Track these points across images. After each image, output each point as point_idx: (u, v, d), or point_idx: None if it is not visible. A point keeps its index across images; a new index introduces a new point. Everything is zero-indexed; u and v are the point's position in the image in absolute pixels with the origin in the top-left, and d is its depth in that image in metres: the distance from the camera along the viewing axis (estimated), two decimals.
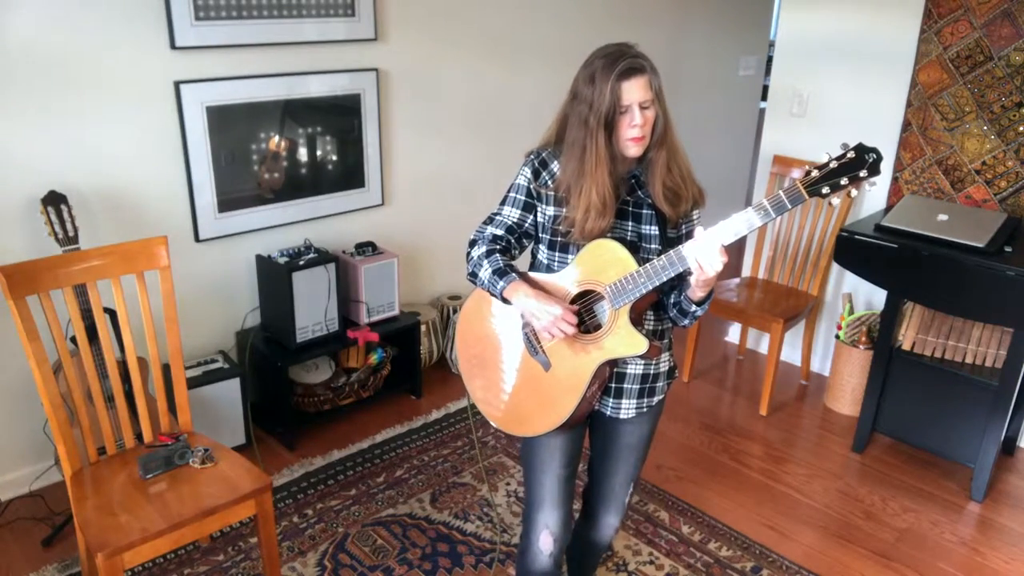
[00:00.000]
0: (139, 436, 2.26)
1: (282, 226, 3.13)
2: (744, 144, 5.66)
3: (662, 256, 1.65)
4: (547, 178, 1.79)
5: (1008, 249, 2.68)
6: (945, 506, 2.84)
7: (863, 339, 3.31)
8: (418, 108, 3.47)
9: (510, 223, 1.83)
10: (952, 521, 2.76)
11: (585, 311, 1.77)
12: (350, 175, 3.29)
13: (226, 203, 2.94)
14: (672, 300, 1.79)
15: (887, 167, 3.34)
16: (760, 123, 5.51)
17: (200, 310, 3.00)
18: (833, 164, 1.56)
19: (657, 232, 1.75)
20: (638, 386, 1.85)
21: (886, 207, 3.31)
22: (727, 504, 2.80)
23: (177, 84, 2.71)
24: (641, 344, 1.69)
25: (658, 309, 1.83)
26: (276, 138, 3.02)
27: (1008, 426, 3.01)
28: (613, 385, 1.84)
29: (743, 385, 3.70)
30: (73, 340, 2.14)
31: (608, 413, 1.87)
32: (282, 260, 2.94)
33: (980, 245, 2.67)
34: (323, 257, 2.98)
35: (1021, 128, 2.95)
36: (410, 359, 3.40)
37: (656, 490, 2.87)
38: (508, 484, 2.87)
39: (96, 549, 1.81)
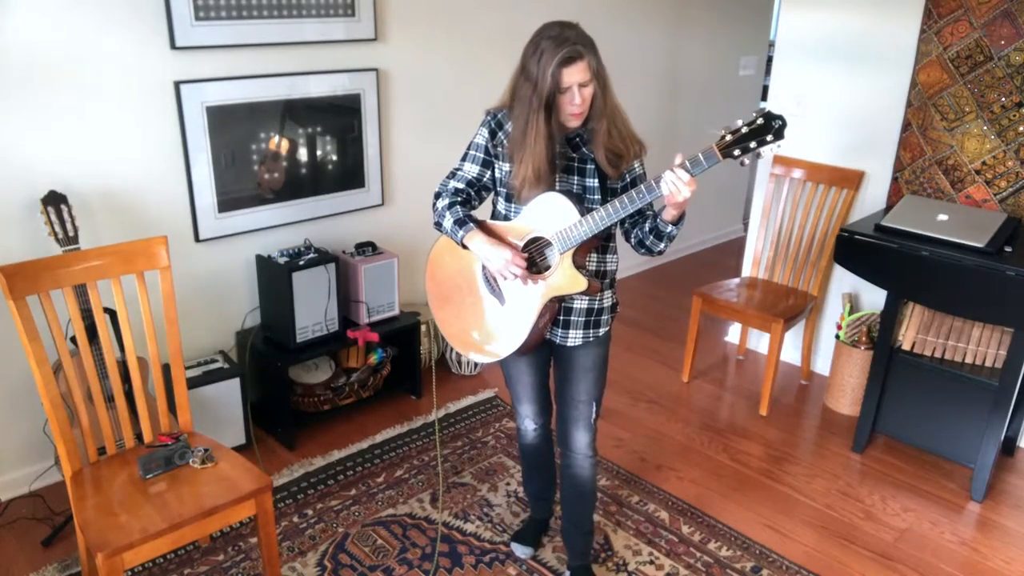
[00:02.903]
0: (139, 436, 2.26)
1: (282, 226, 3.13)
2: None
3: (599, 208, 1.87)
4: (503, 137, 2.02)
5: (1008, 249, 2.68)
6: (945, 506, 2.84)
7: (863, 339, 3.31)
8: (418, 108, 3.47)
9: (470, 178, 2.09)
10: (952, 521, 2.76)
11: (537, 254, 2.01)
12: (350, 175, 3.29)
13: (226, 203, 2.94)
14: (648, 227, 1.99)
15: (887, 167, 3.35)
16: None
17: (200, 310, 3.00)
18: (744, 129, 1.74)
19: (598, 185, 1.98)
20: (583, 319, 2.10)
21: (886, 207, 3.30)
22: (727, 504, 2.80)
23: (177, 84, 2.71)
24: (582, 283, 1.94)
25: (602, 252, 2.07)
26: (276, 138, 3.02)
27: (1008, 426, 3.01)
28: (561, 318, 2.09)
29: (743, 385, 3.70)
30: (73, 340, 2.14)
31: (558, 342, 2.13)
32: (282, 260, 2.94)
33: (980, 245, 2.67)
34: (323, 257, 2.98)
35: (1021, 128, 2.95)
36: (410, 359, 3.40)
37: (656, 490, 2.87)
38: (508, 484, 2.87)
39: (96, 549, 1.81)
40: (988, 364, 2.87)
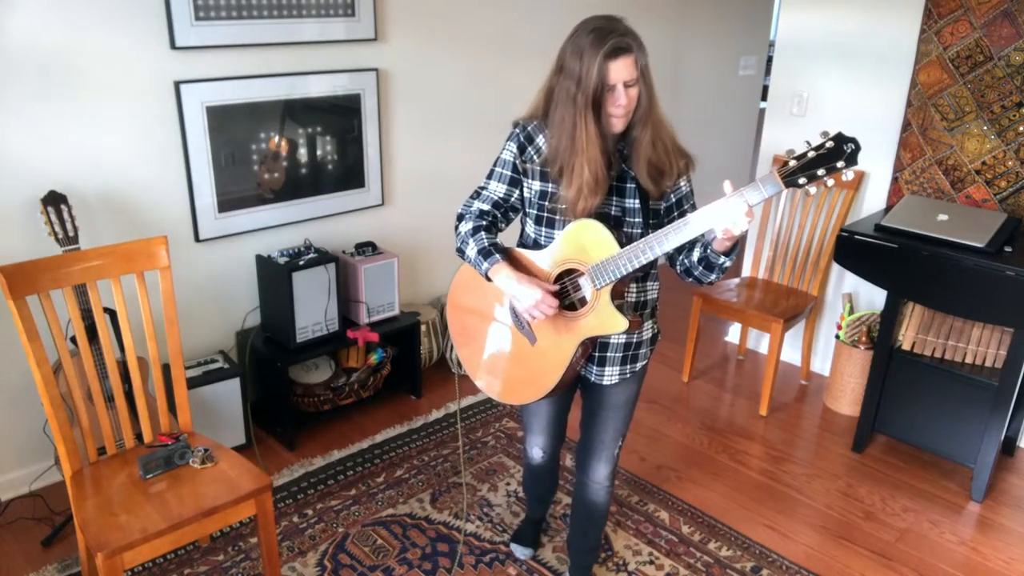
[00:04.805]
0: (139, 436, 2.26)
1: (282, 226, 3.13)
2: (744, 144, 5.66)
3: (641, 240, 1.68)
4: (532, 153, 1.81)
5: (1008, 249, 2.68)
6: (945, 506, 2.84)
7: (863, 339, 3.31)
8: (418, 108, 3.47)
9: (496, 198, 1.88)
10: (952, 521, 2.76)
11: (571, 285, 1.81)
12: (350, 175, 3.29)
13: (226, 203, 2.94)
14: (697, 256, 1.79)
15: (887, 167, 3.35)
16: (760, 123, 5.52)
17: (200, 310, 3.00)
18: (811, 154, 1.54)
19: (639, 206, 1.78)
20: (621, 354, 1.92)
21: (886, 207, 3.31)
22: (727, 504, 2.80)
23: (177, 84, 2.71)
24: (621, 324, 1.73)
25: (643, 280, 1.88)
26: (276, 138, 3.02)
27: (1008, 426, 3.01)
28: (597, 354, 1.91)
29: (743, 385, 3.70)
30: (73, 340, 2.14)
31: (592, 379, 1.96)
32: (282, 260, 2.94)
33: (980, 245, 2.67)
34: (323, 257, 2.98)
35: (1021, 128, 2.95)
36: (410, 359, 3.40)
37: (656, 490, 2.87)
38: (508, 484, 2.87)
39: (96, 549, 1.81)
40: (988, 364, 2.87)
